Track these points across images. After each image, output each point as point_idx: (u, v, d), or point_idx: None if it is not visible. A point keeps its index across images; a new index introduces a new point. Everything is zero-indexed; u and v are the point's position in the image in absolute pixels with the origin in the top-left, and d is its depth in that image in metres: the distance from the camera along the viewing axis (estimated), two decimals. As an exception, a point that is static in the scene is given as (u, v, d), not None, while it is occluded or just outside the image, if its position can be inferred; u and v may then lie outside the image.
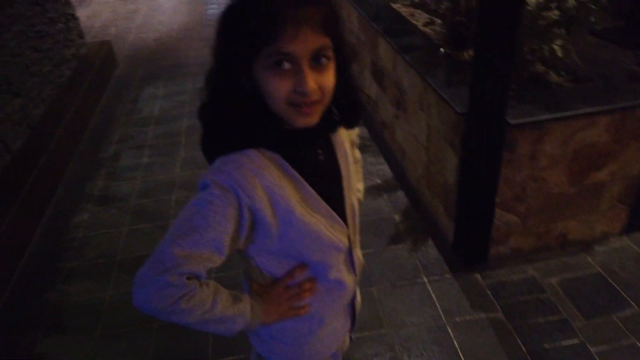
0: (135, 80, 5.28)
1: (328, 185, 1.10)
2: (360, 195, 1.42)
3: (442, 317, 2.44)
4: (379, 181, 3.43)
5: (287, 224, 1.00)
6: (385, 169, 3.56)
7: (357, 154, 1.39)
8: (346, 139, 1.17)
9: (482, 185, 2.36)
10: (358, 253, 1.27)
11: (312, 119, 0.93)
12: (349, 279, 1.22)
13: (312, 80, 0.87)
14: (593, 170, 2.45)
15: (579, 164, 2.39)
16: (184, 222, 0.93)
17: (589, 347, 2.24)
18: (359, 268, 1.27)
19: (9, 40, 3.51)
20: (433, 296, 2.55)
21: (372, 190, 3.33)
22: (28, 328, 2.54)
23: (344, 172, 1.13)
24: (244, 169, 0.93)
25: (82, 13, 7.44)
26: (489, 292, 2.56)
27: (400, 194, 3.30)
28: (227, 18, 0.91)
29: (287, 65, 0.86)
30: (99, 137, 4.26)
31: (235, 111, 0.94)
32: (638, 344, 2.23)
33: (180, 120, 4.41)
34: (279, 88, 0.88)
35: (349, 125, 1.13)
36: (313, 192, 1.03)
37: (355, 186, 1.21)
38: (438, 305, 2.50)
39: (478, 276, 2.66)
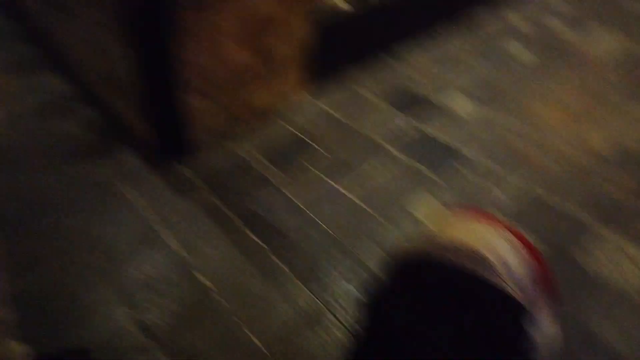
0: None
1: None
2: None
3: (153, 219, 2.30)
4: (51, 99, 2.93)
5: None
6: (57, 84, 3.05)
7: None
8: None
9: (161, 73, 2.19)
10: None
11: None
12: None
13: None
14: (264, 36, 2.49)
15: (250, 31, 2.40)
16: None
17: (295, 200, 2.41)
18: None
19: None
20: (139, 202, 2.37)
21: (50, 109, 2.84)
22: None
23: None
24: None
25: None
26: (196, 180, 2.50)
27: (87, 111, 2.90)
28: None
29: None
30: None
31: None
32: (336, 185, 2.48)
33: None
34: None
35: None
36: None
37: None
38: (143, 210, 2.33)
39: (182, 168, 2.56)
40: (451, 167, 2.58)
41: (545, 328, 1.51)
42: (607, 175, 2.54)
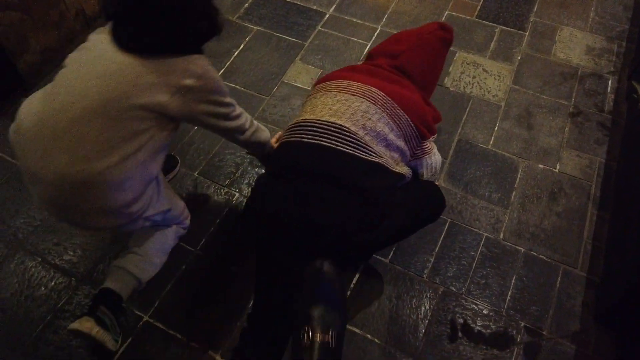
0: None
1: None
2: None
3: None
4: None
5: None
6: None
7: None
8: None
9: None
10: None
11: None
12: None
13: None
14: None
15: None
16: None
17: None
18: None
19: None
20: (4, 151, 2.09)
21: None
22: None
23: None
24: None
25: None
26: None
27: None
28: None
29: None
30: None
31: None
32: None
33: None
34: None
35: None
36: None
37: None
38: (12, 157, 2.07)
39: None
40: (311, 28, 2.58)
41: (429, 162, 1.71)
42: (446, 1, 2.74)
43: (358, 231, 1.36)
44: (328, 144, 1.39)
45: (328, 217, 1.33)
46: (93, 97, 1.22)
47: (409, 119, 1.53)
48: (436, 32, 1.73)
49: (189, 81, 1.27)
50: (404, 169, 1.52)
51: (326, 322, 1.24)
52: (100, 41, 1.30)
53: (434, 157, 1.71)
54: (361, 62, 1.78)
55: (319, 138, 1.40)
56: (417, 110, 1.56)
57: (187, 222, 1.71)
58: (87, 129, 1.22)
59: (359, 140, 1.40)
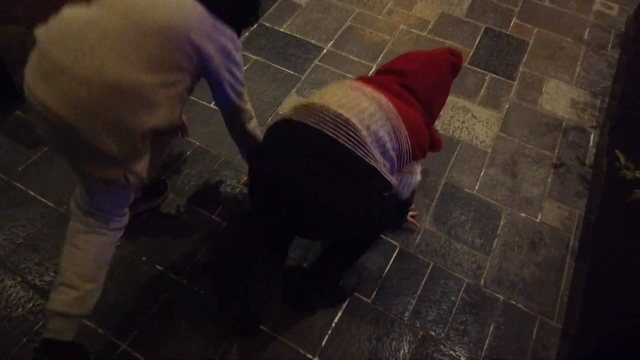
0: None
1: None
2: None
3: (13, 177, 2.03)
4: None
5: None
6: None
7: None
8: None
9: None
10: None
11: None
12: None
13: None
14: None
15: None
16: None
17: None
18: None
19: None
20: (-21, 160, 2.07)
21: None
22: None
23: None
24: None
25: None
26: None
27: None
28: None
29: None
30: None
31: None
32: (205, 103, 2.38)
33: None
34: None
35: None
36: None
37: None
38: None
39: (20, 113, 2.26)
40: (308, 62, 2.63)
41: (410, 181, 1.71)
42: (433, 41, 2.82)
43: (348, 215, 1.40)
44: (330, 134, 1.39)
45: (325, 193, 1.35)
46: (159, 17, 1.28)
47: (408, 138, 1.54)
48: (446, 56, 1.76)
49: (230, 46, 1.42)
50: (393, 180, 1.54)
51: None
52: None
53: (417, 176, 1.72)
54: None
55: (323, 125, 1.40)
56: (416, 131, 1.58)
57: (126, 219, 1.54)
58: (146, 40, 1.25)
59: (360, 140, 1.40)
